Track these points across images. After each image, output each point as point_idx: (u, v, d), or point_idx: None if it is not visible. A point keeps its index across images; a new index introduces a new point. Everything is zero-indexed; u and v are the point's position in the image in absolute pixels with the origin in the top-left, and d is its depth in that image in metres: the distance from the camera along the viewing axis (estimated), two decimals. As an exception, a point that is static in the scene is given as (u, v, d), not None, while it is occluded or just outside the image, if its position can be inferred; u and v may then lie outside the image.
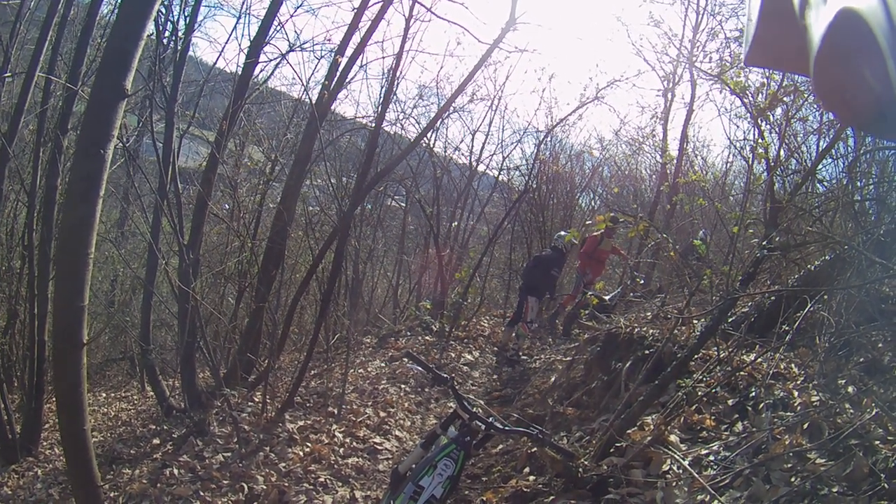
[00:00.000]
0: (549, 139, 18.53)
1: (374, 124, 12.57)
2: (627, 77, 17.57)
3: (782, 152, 7.69)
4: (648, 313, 8.96)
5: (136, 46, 5.34)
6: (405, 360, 11.34)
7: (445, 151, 19.55)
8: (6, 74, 10.54)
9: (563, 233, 13.45)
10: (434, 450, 5.09)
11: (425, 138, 15.74)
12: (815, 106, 7.68)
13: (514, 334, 13.25)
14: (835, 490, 3.92)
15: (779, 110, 7.39)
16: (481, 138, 19.47)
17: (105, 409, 13.03)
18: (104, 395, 14.62)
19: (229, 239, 14.19)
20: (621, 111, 35.54)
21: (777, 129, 7.58)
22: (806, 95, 7.05)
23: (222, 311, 12.38)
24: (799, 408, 4.98)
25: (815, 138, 8.74)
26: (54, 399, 7.05)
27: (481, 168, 19.50)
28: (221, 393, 8.92)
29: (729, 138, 15.28)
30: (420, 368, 5.52)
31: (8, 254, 12.42)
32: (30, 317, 10.20)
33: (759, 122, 7.13)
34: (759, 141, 7.23)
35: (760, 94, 7.32)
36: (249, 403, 9.79)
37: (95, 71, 6.91)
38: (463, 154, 19.54)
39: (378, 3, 10.68)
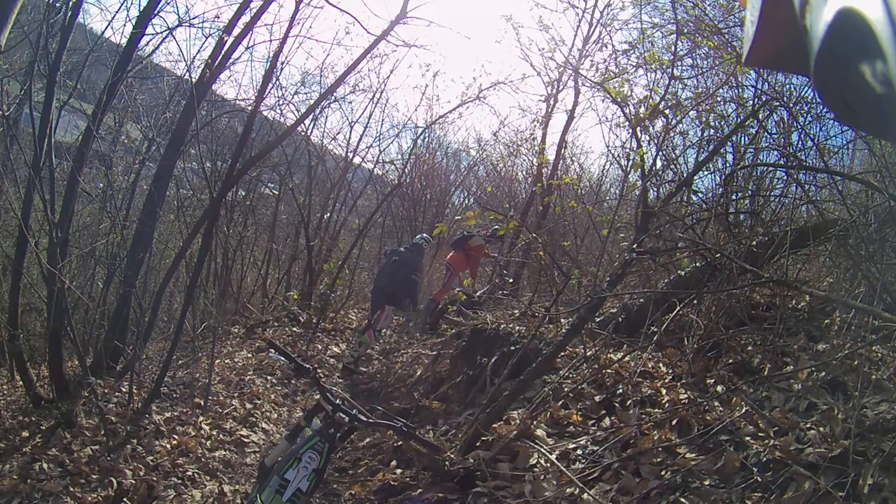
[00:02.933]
0: (427, 135, 18.55)
1: (251, 107, 12.37)
2: (512, 80, 17.50)
3: (659, 162, 7.85)
4: (516, 311, 9.03)
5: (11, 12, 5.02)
6: (270, 350, 11.19)
7: (322, 141, 19.36)
8: None
9: (425, 235, 13.09)
10: (299, 442, 5.01)
11: (302, 125, 15.55)
12: (697, 122, 7.86)
13: (359, 343, 12.27)
14: (706, 483, 4.07)
15: (659, 123, 7.55)
16: (359, 130, 19.26)
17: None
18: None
19: (101, 219, 13.74)
20: (502, 113, 35.59)
21: (655, 141, 7.73)
22: (687, 110, 7.21)
23: (91, 296, 11.93)
24: (667, 405, 5.17)
25: (693, 152, 8.96)
26: None
27: (357, 160, 19.37)
28: (88, 382, 8.63)
29: (607, 146, 15.64)
30: (283, 359, 5.44)
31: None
32: None
33: (638, 131, 7.25)
34: (637, 150, 7.33)
35: (643, 106, 7.45)
36: (116, 394, 9.47)
37: None
38: (340, 145, 19.38)
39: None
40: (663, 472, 4.24)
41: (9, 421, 9.58)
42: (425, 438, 5.60)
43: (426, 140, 18.99)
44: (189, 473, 7.39)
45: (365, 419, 4.92)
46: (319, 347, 12.97)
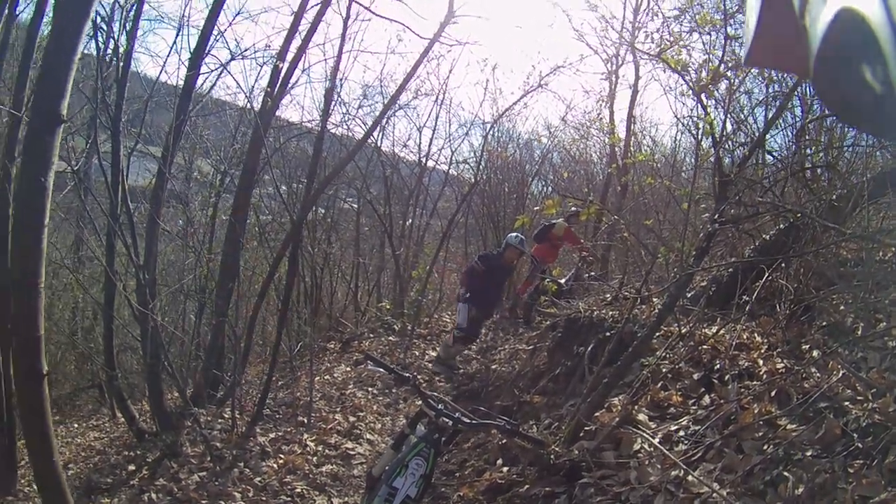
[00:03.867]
0: (496, 129, 18.50)
1: (318, 128, 12.52)
2: (570, 62, 17.32)
3: (728, 126, 7.70)
4: (608, 295, 8.93)
5: (68, 72, 5.36)
6: (367, 362, 11.27)
7: (394, 149, 19.49)
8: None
9: (515, 234, 12.05)
10: (404, 450, 5.05)
11: (372, 137, 15.63)
12: (761, 78, 7.69)
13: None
14: (808, 454, 3.96)
15: (723, 85, 7.40)
16: (428, 133, 19.37)
17: (79, 440, 12.88)
18: (76, 425, 14.39)
19: (185, 255, 14.04)
20: (567, 97, 35.33)
21: (722, 104, 7.59)
22: (749, 69, 7.08)
23: (184, 329, 12.24)
24: (765, 376, 5.03)
25: (761, 110, 8.76)
26: (23, 433, 6.96)
27: (430, 164, 19.49)
28: (190, 412, 8.89)
29: (676, 115, 15.35)
30: (382, 370, 5.50)
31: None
32: None
33: (703, 97, 7.14)
34: (704, 116, 7.23)
35: (703, 71, 7.33)
36: (219, 420, 9.69)
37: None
38: (411, 151, 19.52)
39: (317, 4, 10.59)
40: (765, 447, 4.16)
41: (114, 457, 9.88)
42: (529, 434, 5.59)
43: (496, 134, 18.92)
44: (298, 490, 7.50)
45: (468, 421, 4.95)
46: (417, 354, 13.01)
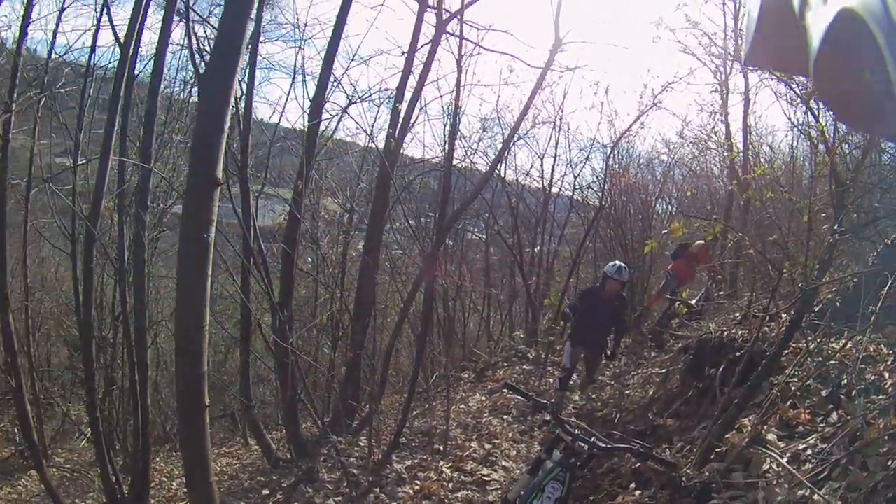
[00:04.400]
0: (616, 152, 18.47)
1: (443, 164, 12.87)
2: (680, 77, 17.19)
3: (840, 129, 7.59)
4: (737, 314, 8.86)
5: (220, 139, 5.96)
6: (504, 390, 11.37)
7: (517, 179, 19.63)
8: (81, 161, 10.97)
9: (618, 263, 10.95)
10: (540, 475, 5.15)
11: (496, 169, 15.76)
12: None
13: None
14: None
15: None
16: (550, 161, 19.32)
17: (212, 465, 13.39)
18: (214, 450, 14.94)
19: (317, 292, 14.45)
20: (681, 112, 34.86)
21: (833, 108, 7.44)
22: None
23: (319, 362, 12.64)
24: (891, 389, 4.97)
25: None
26: (181, 456, 7.48)
27: (554, 190, 19.57)
28: (328, 440, 9.25)
29: (790, 120, 15.00)
30: (520, 397, 5.60)
31: (100, 326, 12.91)
32: (131, 383, 10.67)
33: (812, 103, 7.07)
34: (815, 123, 7.16)
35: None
36: (355, 448, 10.09)
37: (188, 161, 7.40)
38: (535, 179, 19.64)
39: (427, 44, 10.90)
40: (890, 462, 4.18)
41: (247, 481, 10.48)
42: (661, 457, 5.59)
43: (617, 156, 18.89)
44: (433, 516, 7.67)
45: (603, 445, 4.99)
46: (550, 381, 13.09)
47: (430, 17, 11.80)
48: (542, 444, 8.34)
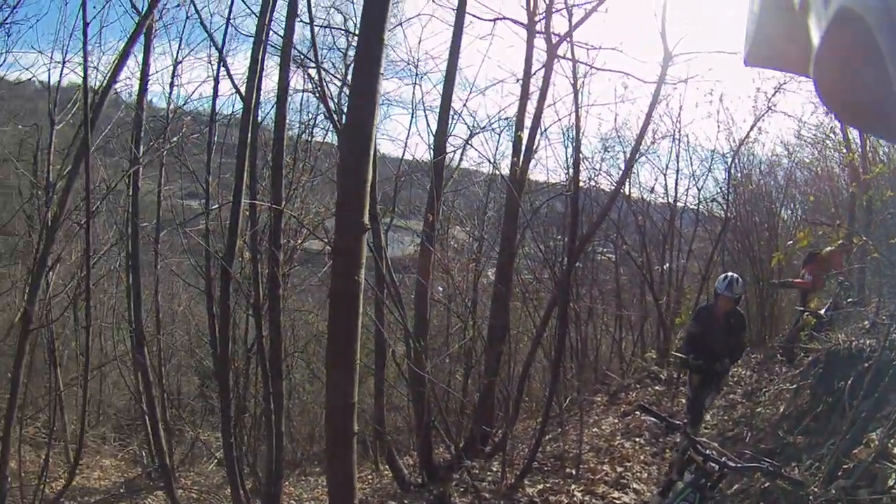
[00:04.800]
0: (737, 160, 18.25)
1: (568, 187, 13.05)
2: (791, 77, 16.91)
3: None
4: (865, 322, 8.73)
5: (364, 192, 6.38)
6: (637, 412, 11.57)
7: (641, 196, 19.61)
8: (213, 207, 11.51)
9: (729, 275, 9.71)
10: (671, 496, 5.23)
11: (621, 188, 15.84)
12: None
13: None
14: None
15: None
16: (672, 175, 19.14)
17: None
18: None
19: (449, 320, 14.75)
20: (796, 112, 34.14)
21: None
22: None
23: (453, 389, 12.93)
24: None
25: None
26: (327, 480, 8.09)
27: (679, 205, 19.44)
28: (461, 465, 9.68)
29: None
30: (653, 419, 5.67)
31: (233, 358, 13.51)
32: (266, 411, 11.57)
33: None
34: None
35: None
36: (488, 472, 10.39)
37: (334, 207, 7.89)
38: (659, 195, 19.57)
39: (540, 69, 11.06)
40: None
41: (378, 504, 10.65)
42: (790, 475, 5.64)
43: (738, 164, 18.65)
44: (564, 538, 7.89)
45: (733, 465, 5.11)
46: (683, 402, 13.02)
47: (539, 43, 12.20)
48: (671, 466, 8.35)
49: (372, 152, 6.68)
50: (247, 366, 14.36)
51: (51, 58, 13.47)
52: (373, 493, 12.40)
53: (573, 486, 9.30)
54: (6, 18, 11.96)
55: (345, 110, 10.03)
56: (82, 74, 9.86)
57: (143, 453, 16.09)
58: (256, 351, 12.72)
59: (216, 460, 16.49)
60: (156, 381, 13.69)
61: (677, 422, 5.52)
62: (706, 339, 9.36)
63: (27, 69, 18.76)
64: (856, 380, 7.05)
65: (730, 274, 9.91)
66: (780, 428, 8.58)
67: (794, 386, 9.51)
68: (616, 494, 9.02)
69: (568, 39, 10.85)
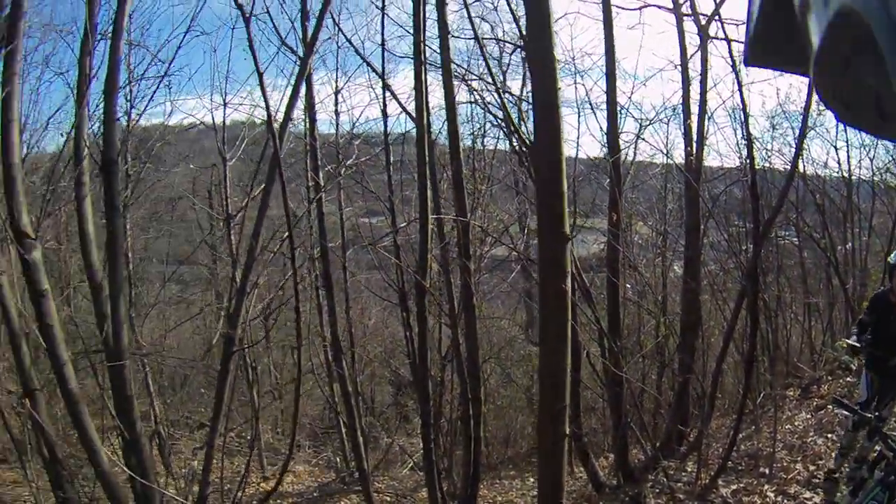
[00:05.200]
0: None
1: (743, 170, 13.61)
2: None
3: None
4: None
5: (561, 203, 6.68)
6: (830, 406, 11.12)
7: (816, 173, 19.01)
8: (401, 225, 12.20)
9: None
10: (860, 495, 5.28)
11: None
12: None
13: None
14: None
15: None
16: (843, 147, 18.47)
17: (533, 492, 14.11)
18: (531, 479, 15.59)
19: (640, 317, 14.90)
20: None
21: None
22: None
23: (647, 387, 13.07)
24: None
25: None
26: (538, 480, 8.59)
27: (853, 178, 18.77)
28: (657, 465, 9.83)
29: None
30: (846, 412, 5.68)
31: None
32: (464, 416, 12.05)
33: None
34: None
35: None
36: (682, 473, 10.51)
37: (517, 214, 8.53)
38: (833, 170, 18.94)
39: (696, 52, 11.24)
40: None
41: (570, 507, 10.96)
42: None
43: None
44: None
45: None
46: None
47: (689, 26, 12.35)
48: (858, 462, 8.00)
49: (564, 167, 6.87)
50: (442, 373, 14.82)
51: (211, 100, 14.35)
52: (567, 495, 12.48)
53: (766, 487, 9.30)
54: (165, 72, 12.97)
55: (512, 116, 10.48)
56: (265, 117, 10.61)
57: (338, 459, 17.22)
58: (452, 358, 13.37)
59: (411, 465, 17.25)
60: (352, 390, 14.39)
61: (867, 415, 5.26)
62: (880, 329, 7.74)
63: (190, 115, 20.23)
64: None
65: None
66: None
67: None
68: (808, 494, 8.92)
69: (717, 18, 11.08)
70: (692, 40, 12.49)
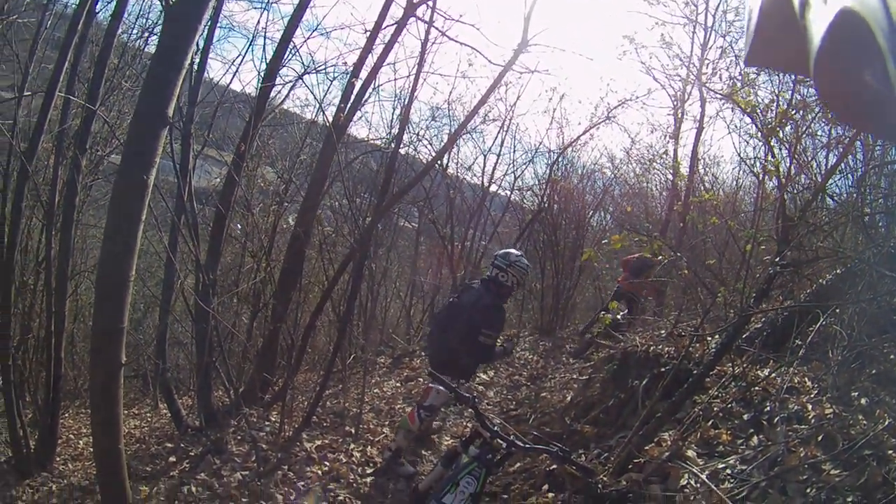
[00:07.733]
0: (561, 159, 18.67)
1: (389, 146, 13.05)
2: (637, 96, 17.57)
3: (793, 169, 7.81)
4: (662, 331, 9.02)
5: (178, 76, 5.72)
6: (425, 378, 11.58)
7: (458, 172, 19.72)
8: (26, 93, 10.72)
9: (513, 251, 8.30)
10: (455, 468, 5.22)
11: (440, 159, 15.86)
12: (824, 120, 7.77)
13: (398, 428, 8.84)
14: (849, 500, 4.07)
15: (788, 127, 7.51)
16: (493, 159, 19.48)
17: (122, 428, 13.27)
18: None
19: (243, 260, 14.33)
20: (632, 130, 35.55)
21: (787, 146, 7.71)
22: (815, 109, 7.17)
23: (238, 330, 12.51)
24: (813, 420, 5.12)
25: (824, 153, 8.84)
26: (90, 415, 7.19)
27: (493, 188, 19.71)
28: (240, 412, 9.11)
29: (740, 155, 15.44)
30: (442, 387, 5.61)
31: (22, 270, 12.67)
32: (46, 333, 10.56)
33: (770, 140, 7.27)
34: (770, 159, 7.37)
35: (770, 112, 7.47)
36: (266, 423, 9.97)
37: (138, 97, 7.04)
38: (475, 175, 19.73)
39: (391, 25, 10.83)
40: (808, 490, 4.26)
41: (154, 447, 10.18)
42: (579, 462, 5.71)
43: (561, 164, 19.04)
44: (341, 498, 7.72)
45: (522, 444, 5.04)
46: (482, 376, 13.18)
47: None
48: (453, 437, 8.33)
49: (196, 38, 6.04)
50: (35, 282, 13.04)
51: None
52: (150, 433, 11.57)
53: (352, 445, 9.12)
54: None
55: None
56: None
57: None
58: (46, 266, 11.69)
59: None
60: None
61: (466, 394, 5.19)
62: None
63: None
64: (651, 381, 7.26)
65: (511, 250, 8.24)
66: (567, 415, 8.73)
67: (586, 378, 9.74)
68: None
69: (430, 2, 10.70)
70: (396, 13, 11.47)
